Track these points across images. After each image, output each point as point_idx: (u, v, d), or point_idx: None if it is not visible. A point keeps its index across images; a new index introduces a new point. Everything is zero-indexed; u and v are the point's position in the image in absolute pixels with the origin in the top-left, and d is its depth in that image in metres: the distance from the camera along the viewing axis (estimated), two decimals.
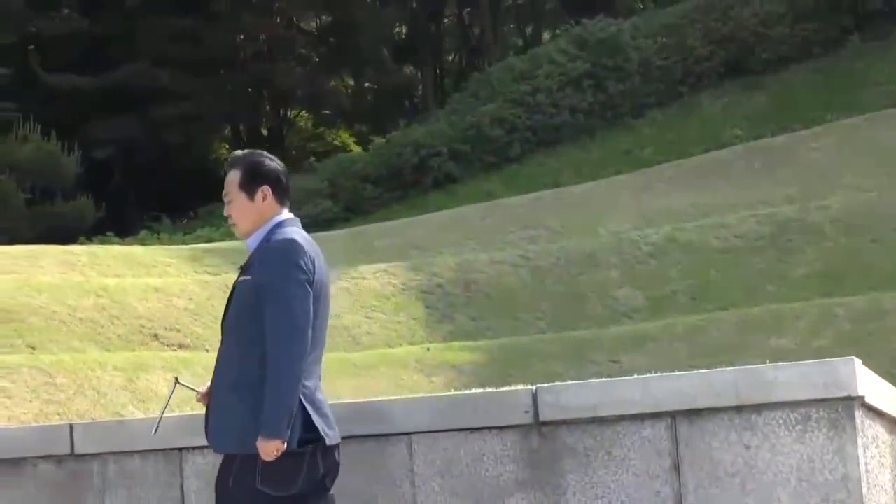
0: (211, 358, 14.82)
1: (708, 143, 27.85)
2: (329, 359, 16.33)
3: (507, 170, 30.25)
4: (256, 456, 4.77)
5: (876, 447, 5.14)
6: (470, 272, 20.45)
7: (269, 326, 4.89)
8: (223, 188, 5.34)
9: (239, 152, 5.41)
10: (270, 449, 4.75)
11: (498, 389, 5.30)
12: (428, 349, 17.40)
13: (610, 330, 18.24)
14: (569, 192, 25.94)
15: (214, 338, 16.95)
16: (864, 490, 4.70)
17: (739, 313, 17.71)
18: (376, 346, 17.88)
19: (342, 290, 19.26)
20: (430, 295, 19.80)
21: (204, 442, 5.59)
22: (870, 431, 5.05)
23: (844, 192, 22.38)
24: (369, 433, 5.41)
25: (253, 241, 5.17)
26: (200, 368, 14.91)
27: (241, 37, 40.71)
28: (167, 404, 5.13)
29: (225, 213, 5.31)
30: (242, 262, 5.21)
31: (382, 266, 20.58)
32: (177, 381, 5.37)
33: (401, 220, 26.06)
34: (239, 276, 5.13)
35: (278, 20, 42.59)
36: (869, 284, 18.65)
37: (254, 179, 5.20)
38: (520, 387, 5.25)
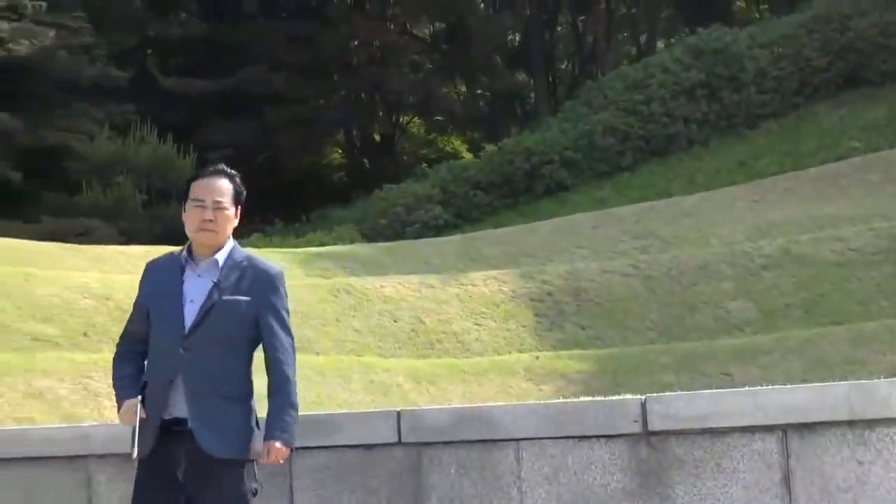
0: (321, 361, 14.92)
1: (824, 154, 27.45)
2: (438, 364, 16.42)
3: (619, 178, 30.10)
4: (251, 462, 5.16)
5: None
6: (580, 280, 20.37)
7: (280, 349, 5.37)
8: (208, 192, 5.33)
9: (221, 165, 5.50)
10: (285, 454, 5.14)
11: (607, 398, 5.27)
12: (537, 357, 17.36)
13: (721, 342, 18.05)
14: (681, 202, 25.73)
15: (325, 340, 17.13)
16: None
17: (854, 328, 17.42)
18: (485, 353, 17.88)
19: (453, 297, 19.31)
20: (539, 303, 19.76)
21: (313, 443, 5.64)
22: None
23: None
24: (477, 439, 5.42)
25: (220, 256, 5.25)
26: (311, 371, 15.04)
27: (356, 42, 41.00)
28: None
29: (209, 217, 5.20)
30: (236, 279, 5.24)
31: (493, 273, 20.58)
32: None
33: (511, 228, 26.04)
34: (224, 292, 5.18)
35: (392, 26, 42.85)
36: None
37: (240, 198, 5.39)
38: (629, 396, 5.21)
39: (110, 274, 17.67)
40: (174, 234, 29.21)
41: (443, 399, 14.85)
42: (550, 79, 44.62)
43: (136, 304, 5.32)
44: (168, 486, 5.06)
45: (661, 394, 5.13)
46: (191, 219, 5.20)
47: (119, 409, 5.26)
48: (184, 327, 5.16)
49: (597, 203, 28.01)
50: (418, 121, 47.42)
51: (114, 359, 5.36)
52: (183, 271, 5.23)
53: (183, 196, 5.31)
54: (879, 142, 27.26)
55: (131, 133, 31.30)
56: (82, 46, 35.71)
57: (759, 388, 5.01)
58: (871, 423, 4.74)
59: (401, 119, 45.72)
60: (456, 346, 17.98)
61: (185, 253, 5.25)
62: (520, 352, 18.04)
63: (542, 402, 5.67)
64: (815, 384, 4.91)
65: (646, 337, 19.03)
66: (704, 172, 28.90)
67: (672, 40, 38.05)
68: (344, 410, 11.80)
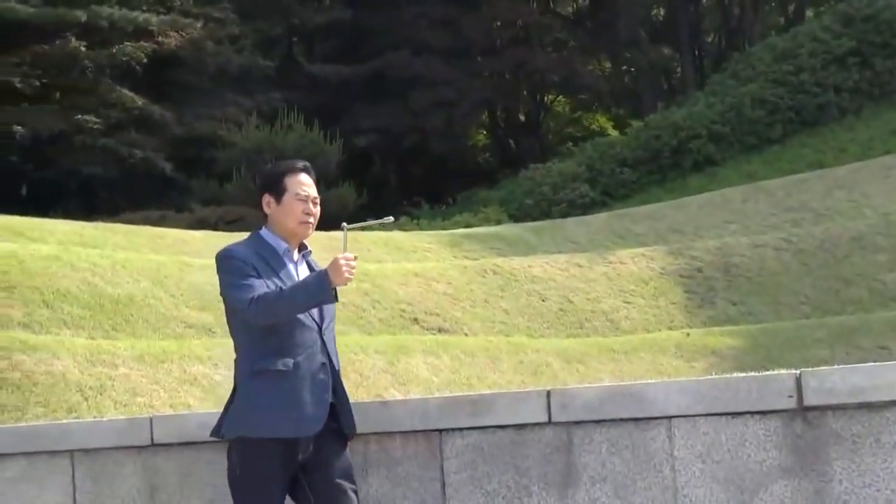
0: (470, 342, 15.00)
1: None
2: (588, 343, 16.36)
3: (769, 151, 29.63)
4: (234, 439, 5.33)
5: None
6: (730, 256, 20.12)
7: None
8: (310, 186, 5.47)
9: (306, 162, 5.59)
10: None
11: (760, 374, 5.15)
12: (688, 334, 17.19)
13: (877, 315, 17.69)
14: (833, 174, 25.24)
15: (473, 322, 17.15)
16: None
17: None
18: (635, 331, 17.75)
19: (601, 275, 19.21)
20: (689, 279, 19.57)
21: (464, 423, 5.65)
22: None
23: None
24: (629, 416, 5.35)
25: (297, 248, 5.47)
26: (460, 352, 15.09)
27: (498, 23, 40.94)
28: (343, 247, 5.31)
29: (311, 211, 5.40)
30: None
31: (641, 250, 20.43)
32: (344, 228, 5.48)
33: (659, 204, 25.81)
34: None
35: (535, 5, 42.69)
36: None
37: None
38: (783, 371, 5.09)
39: None
40: (321, 219, 29.47)
41: (593, 378, 14.78)
42: (697, 52, 44.06)
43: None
44: None
45: (816, 368, 5.00)
46: (293, 211, 5.36)
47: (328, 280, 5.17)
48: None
49: (746, 177, 27.62)
50: (563, 99, 47.21)
51: (259, 299, 5.20)
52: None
53: (266, 187, 5.42)
54: None
55: (278, 120, 31.69)
56: (229, 36, 36.30)
57: None
58: None
59: (545, 98, 45.57)
60: (605, 325, 17.89)
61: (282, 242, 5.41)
62: (670, 329, 17.89)
63: (693, 378, 5.58)
64: None
65: (799, 312, 18.73)
66: (857, 142, 28.30)
67: (822, 8, 37.31)
68: (494, 391, 11.79)
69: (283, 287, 5.22)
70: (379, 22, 39.08)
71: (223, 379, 12.51)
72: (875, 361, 4.97)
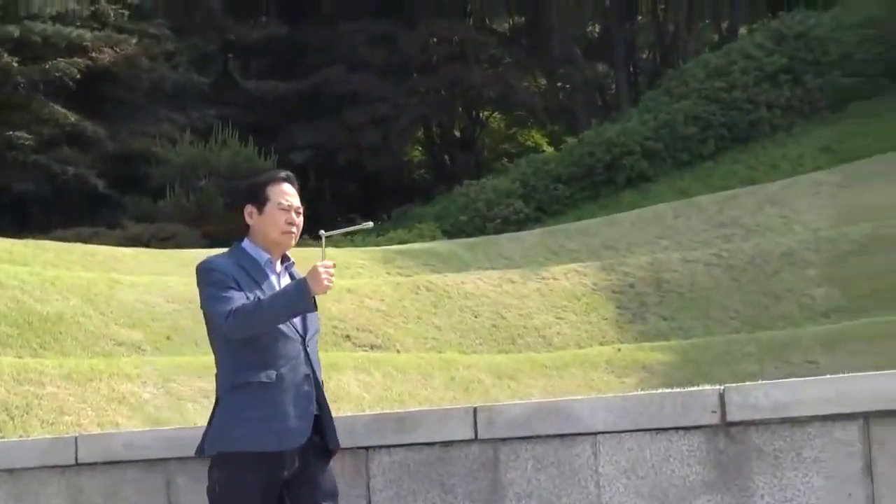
0: (402, 358, 14.95)
1: None
2: (519, 359, 16.37)
3: (701, 167, 29.87)
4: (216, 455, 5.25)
5: None
6: (662, 271, 20.23)
7: None
8: (291, 196, 5.40)
9: (289, 171, 5.55)
10: None
11: (684, 389, 5.19)
12: (619, 350, 17.26)
13: (807, 330, 17.83)
14: (764, 190, 25.47)
15: (406, 338, 17.13)
16: None
17: None
18: (567, 347, 17.80)
19: (533, 291, 19.25)
20: (621, 295, 19.65)
21: (391, 441, 5.64)
22: None
23: None
24: (555, 433, 5.36)
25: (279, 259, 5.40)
26: (392, 369, 15.07)
27: (434, 39, 41.02)
28: (322, 255, 5.23)
29: (294, 221, 5.31)
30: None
31: (573, 266, 20.51)
32: (322, 235, 5.42)
33: (592, 220, 25.94)
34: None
35: (471, 22, 42.82)
36: None
37: None
38: (707, 387, 5.13)
39: (193, 277, 17.78)
40: None
41: (524, 394, 14.80)
42: (631, 69, 44.34)
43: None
44: None
45: (740, 384, 5.04)
46: (275, 221, 5.27)
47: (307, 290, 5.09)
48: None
49: (679, 193, 27.82)
50: (498, 116, 47.34)
51: (237, 311, 5.08)
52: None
53: (249, 197, 5.35)
54: None
55: (213, 137, 31.55)
56: (164, 53, 36.12)
57: (839, 375, 4.91)
58: None
59: (480, 114, 45.69)
60: (537, 341, 17.93)
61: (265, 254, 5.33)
62: (601, 344, 17.96)
63: (618, 394, 5.60)
64: None
65: (729, 326, 18.86)
66: (788, 159, 28.59)
67: (755, 26, 37.70)
68: (424, 407, 11.76)
69: (258, 298, 5.11)
70: (315, 38, 39.03)
71: (151, 397, 12.42)
72: (804, 376, 5.02)
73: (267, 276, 5.25)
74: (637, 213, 25.54)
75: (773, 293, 19.64)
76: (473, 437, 5.53)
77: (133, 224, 30.28)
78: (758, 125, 30.22)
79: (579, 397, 5.55)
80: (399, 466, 5.69)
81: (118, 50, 34.40)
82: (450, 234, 27.89)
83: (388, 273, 20.63)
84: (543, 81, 45.20)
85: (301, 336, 5.24)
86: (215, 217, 29.59)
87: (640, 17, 45.51)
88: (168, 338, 15.06)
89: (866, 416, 4.76)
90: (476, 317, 18.21)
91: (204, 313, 5.27)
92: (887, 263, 19.58)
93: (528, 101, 42.80)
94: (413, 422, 5.58)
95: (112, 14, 35.01)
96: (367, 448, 5.72)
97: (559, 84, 44.65)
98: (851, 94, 30.35)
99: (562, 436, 5.33)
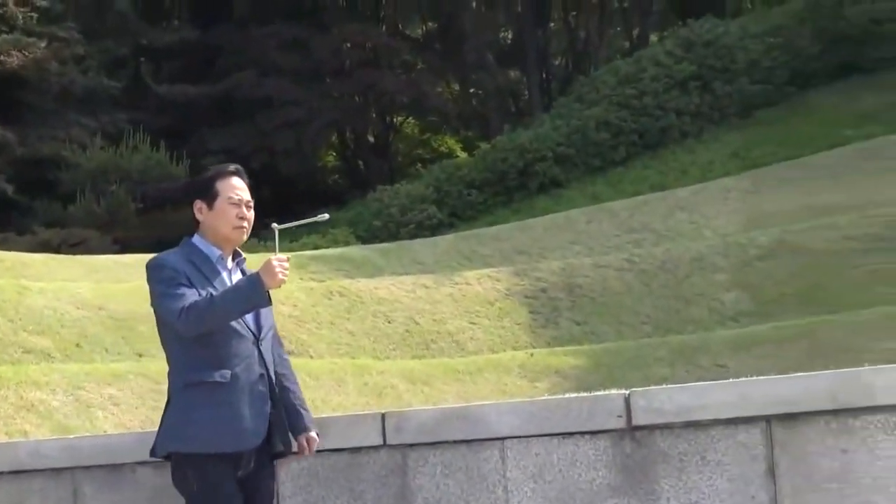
0: (315, 364, 14.87)
1: (818, 143, 27.43)
2: (433, 364, 16.38)
3: (613, 173, 30.09)
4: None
5: None
6: (574, 276, 20.35)
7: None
8: (244, 190, 5.40)
9: (238, 166, 5.52)
10: None
11: (591, 394, 5.24)
12: (532, 355, 17.34)
13: (717, 333, 18.03)
14: (674, 195, 25.72)
15: (319, 344, 17.09)
16: None
17: (850, 316, 17.39)
18: (480, 352, 17.86)
19: (447, 297, 19.29)
20: (534, 300, 19.75)
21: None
22: None
23: None
24: (463, 438, 5.39)
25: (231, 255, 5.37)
26: (304, 375, 14.99)
27: (348, 45, 40.97)
28: (276, 249, 5.35)
29: (245, 216, 5.29)
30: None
31: (486, 272, 20.57)
32: (275, 228, 5.50)
33: (505, 225, 26.03)
34: None
35: (384, 28, 42.82)
36: None
37: None
38: (613, 391, 5.19)
39: (103, 283, 17.64)
40: (169, 241, 29.14)
41: (438, 399, 14.82)
42: (544, 75, 44.57)
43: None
44: None
45: (646, 388, 5.10)
46: (226, 216, 5.23)
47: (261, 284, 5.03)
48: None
49: (591, 198, 27.99)
50: (412, 121, 47.37)
51: (189, 308, 5.01)
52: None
53: (197, 193, 5.29)
54: (872, 129, 27.24)
55: (124, 141, 31.25)
56: (74, 56, 35.66)
57: (742, 379, 4.99)
58: (855, 412, 4.72)
59: (394, 120, 45.69)
60: (451, 346, 17.96)
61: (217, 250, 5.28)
62: (514, 349, 18.03)
63: (525, 399, 5.65)
64: (798, 374, 4.89)
65: (641, 331, 19.02)
66: (698, 164, 28.89)
67: (665, 33, 38.06)
68: (338, 413, 11.74)
69: (210, 294, 5.05)
70: (227, 42, 38.80)
71: (60, 405, 12.28)
72: (713, 380, 5.09)
73: (219, 273, 5.20)
74: (550, 219, 25.67)
75: (684, 297, 19.84)
76: (382, 442, 5.55)
77: (43, 230, 29.87)
78: (668, 131, 30.52)
79: (487, 402, 5.58)
80: (308, 473, 5.70)
81: (27, 53, 33.91)
82: (363, 240, 27.85)
83: (302, 279, 20.56)
84: (457, 87, 45.32)
85: (254, 335, 5.18)
86: (126, 223, 29.33)
87: (552, 24, 45.79)
88: (77, 345, 14.89)
89: (768, 420, 4.85)
90: (389, 322, 18.21)
91: (155, 311, 5.19)
92: (793, 268, 19.88)
93: (441, 107, 42.87)
94: (322, 428, 5.58)
95: (20, 17, 34.50)
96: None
97: (472, 90, 44.78)
98: (759, 101, 30.76)
99: (469, 441, 5.36)
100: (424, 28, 46.20)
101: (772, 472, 4.84)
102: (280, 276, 5.05)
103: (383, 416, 5.56)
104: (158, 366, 13.92)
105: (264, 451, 5.16)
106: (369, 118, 43.66)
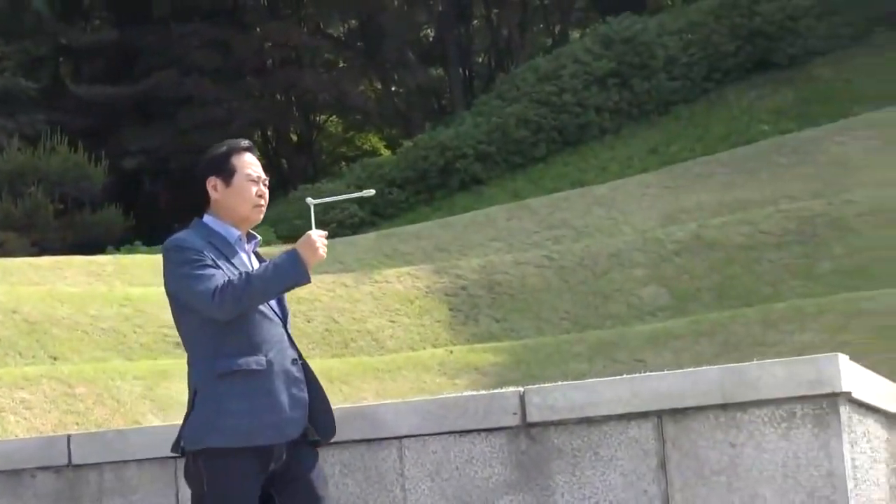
0: None
1: (734, 138, 27.77)
2: (352, 363, 16.40)
3: (534, 170, 30.25)
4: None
5: (867, 442, 5.11)
6: (494, 273, 20.45)
7: None
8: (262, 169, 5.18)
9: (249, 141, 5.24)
10: None
11: (486, 392, 5.30)
12: (451, 352, 17.41)
13: (634, 328, 18.20)
14: (593, 192, 25.91)
15: None
16: (851, 486, 4.68)
17: (764, 309, 17.63)
18: (400, 350, 17.91)
19: (367, 295, 19.32)
20: (454, 297, 19.83)
21: None
22: (859, 427, 5.02)
23: (871, 186, 22.24)
24: (361, 437, 5.42)
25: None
26: None
27: (269, 44, 40.84)
28: (313, 224, 5.07)
29: (264, 193, 5.06)
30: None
31: (407, 269, 20.62)
32: (310, 203, 5.24)
33: (426, 223, 26.10)
34: None
35: (305, 27, 42.72)
36: None
37: None
38: (509, 389, 5.24)
39: (17, 286, 17.49)
40: (88, 244, 29.04)
41: (357, 398, 14.85)
42: (467, 73, 44.68)
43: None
44: None
45: (539, 385, 5.16)
46: (245, 194, 4.98)
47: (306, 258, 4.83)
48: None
49: (511, 195, 28.13)
50: (336, 119, 47.29)
51: (224, 288, 4.72)
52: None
53: (212, 169, 5.04)
54: (788, 124, 27.62)
55: (42, 143, 30.92)
56: None
57: (634, 375, 5.06)
58: (743, 406, 4.80)
59: (317, 118, 45.60)
60: (370, 345, 18.00)
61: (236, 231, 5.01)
62: (434, 347, 18.11)
63: (424, 398, 5.69)
64: (688, 369, 4.97)
65: (560, 327, 19.15)
66: (617, 161, 29.12)
67: (588, 30, 38.30)
68: None
69: (246, 273, 4.77)
70: (147, 42, 38.49)
71: None
72: (632, 373, 5.16)
73: (238, 254, 4.94)
74: (470, 216, 25.78)
75: (602, 293, 20.01)
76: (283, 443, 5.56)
77: None
78: (587, 128, 30.74)
79: (386, 402, 5.63)
80: None
81: None
82: (285, 239, 27.77)
83: None
84: (379, 86, 45.33)
85: (281, 318, 4.93)
86: (45, 224, 29.02)
87: (475, 22, 45.90)
88: None
89: (659, 415, 4.93)
90: (309, 321, 18.20)
91: (175, 296, 4.85)
92: (709, 263, 20.11)
93: (362, 106, 42.86)
94: None
95: None
96: (175, 458, 5.70)
97: (394, 88, 44.80)
98: (676, 98, 31.07)
99: (368, 440, 5.40)
100: (346, 27, 46.13)
101: (663, 466, 4.91)
102: (321, 251, 4.86)
103: (183, 426, 5.56)
104: (72, 369, 13.87)
105: (299, 440, 4.85)
106: (291, 117, 43.56)
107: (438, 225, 25.40)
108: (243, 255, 4.96)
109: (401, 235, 24.72)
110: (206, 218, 5.01)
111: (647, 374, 5.05)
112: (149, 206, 36.99)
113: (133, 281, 18.98)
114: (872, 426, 5.31)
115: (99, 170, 30.67)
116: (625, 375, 5.14)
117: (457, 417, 5.24)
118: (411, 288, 19.80)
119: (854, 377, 4.88)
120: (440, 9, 42.04)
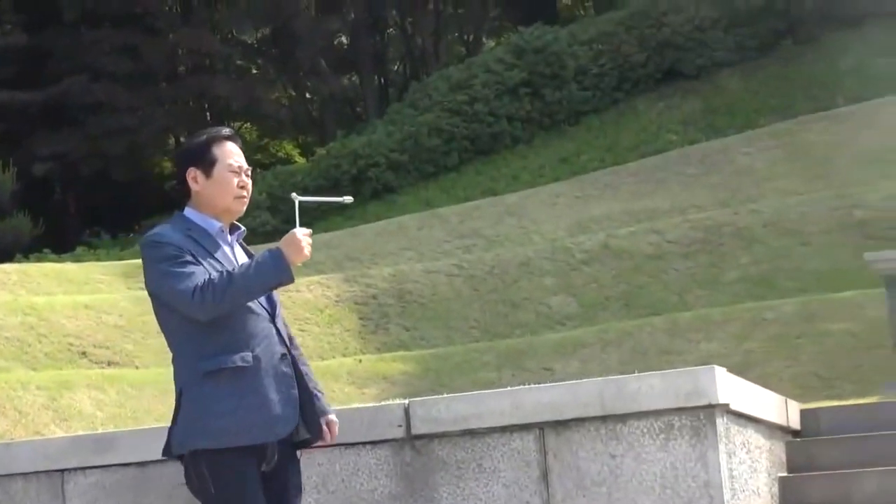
0: (140, 374, 14.77)
1: (643, 148, 28.04)
2: None
3: (445, 179, 30.33)
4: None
5: (747, 452, 5.21)
6: (404, 282, 20.50)
7: None
8: (243, 159, 5.00)
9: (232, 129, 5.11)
10: None
11: (372, 404, 5.34)
12: (360, 361, 17.43)
13: (543, 337, 18.31)
14: (505, 201, 26.04)
15: (146, 354, 16.92)
16: (728, 496, 4.77)
17: (671, 318, 17.81)
18: (310, 359, 17.68)
19: None
20: (364, 306, 19.85)
21: (88, 462, 5.61)
22: (738, 437, 5.12)
23: (776, 196, 22.60)
24: None
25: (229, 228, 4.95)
26: (127, 386, 14.89)
27: (181, 50, 40.58)
28: (297, 222, 4.91)
29: (246, 184, 4.91)
30: None
31: (317, 278, 20.59)
32: (295, 198, 5.08)
33: (337, 232, 26.08)
34: None
35: (217, 34, 42.49)
36: (799, 287, 18.84)
37: None
38: (396, 401, 5.29)
39: None
40: (8, 247, 28.69)
41: None
42: (382, 81, 44.66)
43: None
44: None
45: (423, 398, 5.22)
46: (227, 185, 4.81)
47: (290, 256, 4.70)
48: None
49: (423, 204, 28.19)
50: (250, 126, 47.07)
51: (205, 287, 4.54)
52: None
53: (192, 159, 4.85)
54: (696, 134, 27.94)
55: None
56: None
57: (517, 388, 5.13)
58: (623, 418, 4.89)
59: (230, 125, 45.32)
60: None
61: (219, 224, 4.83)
62: (344, 356, 18.11)
63: None
64: (568, 382, 5.05)
65: (470, 336, 19.23)
66: (529, 170, 29.28)
67: (502, 40, 38.48)
68: (161, 425, 11.64)
69: (227, 271, 4.59)
70: (57, 47, 38.07)
71: None
72: (539, 383, 5.21)
73: (220, 247, 4.77)
74: (382, 225, 25.81)
75: (512, 302, 20.12)
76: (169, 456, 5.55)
77: None
78: (499, 137, 30.88)
79: None
80: (96, 488, 5.69)
81: None
82: None
83: (130, 288, 20.31)
84: (293, 93, 45.20)
85: (268, 312, 4.74)
86: None
87: (390, 30, 45.90)
88: None
89: (541, 427, 5.01)
90: None
91: (155, 293, 4.72)
92: (617, 272, 20.29)
93: (275, 114, 42.71)
94: (108, 442, 5.59)
95: None
96: (62, 470, 5.69)
97: (308, 95, 44.70)
98: (587, 108, 31.30)
99: None
100: (258, 34, 45.95)
101: (545, 477, 4.99)
102: (306, 250, 4.75)
103: (170, 430, 5.57)
104: None
105: (287, 440, 4.66)
106: (204, 124, 43.25)
107: (349, 233, 25.41)
108: (226, 248, 4.81)
109: (312, 244, 24.66)
110: (187, 210, 4.85)
111: (530, 386, 5.12)
112: (58, 213, 36.60)
113: (38, 290, 18.79)
114: (753, 436, 5.41)
115: (7, 175, 30.33)
116: (509, 388, 5.21)
117: (343, 430, 5.26)
118: (321, 297, 19.79)
119: (732, 389, 4.98)
120: (352, 16, 42.01)
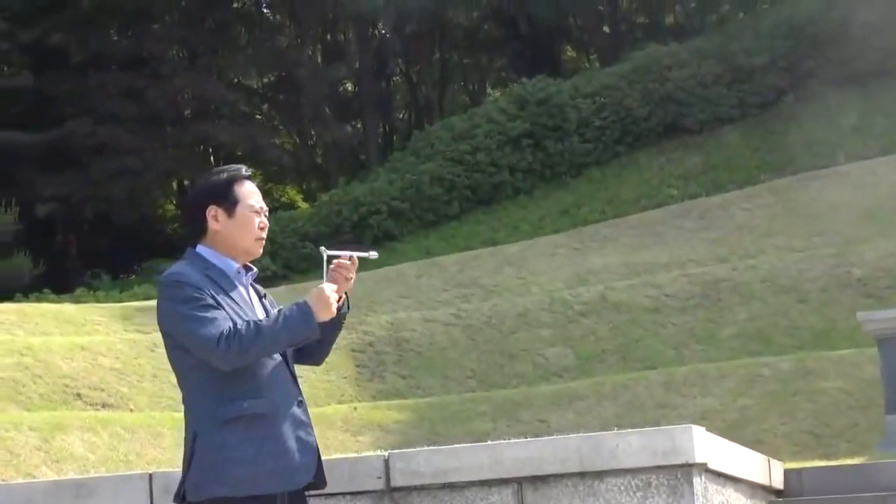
0: (133, 417, 14.78)
1: (644, 202, 28.10)
2: None
3: (446, 228, 30.39)
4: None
5: None
6: (402, 330, 20.53)
7: None
8: (260, 197, 4.87)
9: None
10: None
11: (352, 455, 5.36)
12: (355, 408, 17.44)
13: (539, 389, 18.34)
14: (504, 251, 26.09)
15: (140, 397, 16.93)
16: None
17: (667, 372, 17.85)
18: None
19: None
20: (361, 353, 19.88)
21: None
22: (717, 497, 5.13)
23: (774, 252, 22.65)
24: None
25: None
26: (120, 428, 14.89)
27: (185, 95, 40.77)
28: (325, 277, 4.75)
29: (266, 226, 4.82)
30: None
31: None
32: (323, 252, 4.85)
33: None
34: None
35: (221, 79, 42.69)
36: (795, 344, 18.88)
37: None
38: (377, 452, 5.31)
39: None
40: (8, 286, 28.68)
41: None
42: (386, 129, 44.84)
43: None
44: None
45: (402, 451, 5.23)
46: (249, 226, 4.70)
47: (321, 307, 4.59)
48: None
49: (423, 252, 28.22)
50: (254, 171, 47.14)
51: (231, 337, 4.45)
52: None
53: (213, 197, 4.70)
54: (696, 189, 28.00)
55: None
56: None
57: (496, 442, 5.15)
58: (601, 474, 4.90)
59: None
60: None
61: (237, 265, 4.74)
62: (340, 403, 18.12)
63: None
64: (547, 437, 5.06)
65: (466, 385, 19.25)
66: (529, 221, 29.34)
67: (505, 91, 38.64)
68: (153, 469, 11.68)
69: (255, 322, 4.50)
70: (62, 89, 38.26)
71: None
72: (535, 435, 5.23)
73: (236, 288, 4.67)
74: (381, 272, 25.80)
75: (509, 352, 20.15)
76: (150, 503, 5.57)
77: None
78: (501, 187, 30.98)
79: None
80: None
81: None
82: None
83: (126, 330, 20.35)
84: (297, 139, 45.38)
85: (284, 357, 4.69)
86: None
87: (395, 78, 46.16)
88: None
89: (520, 482, 5.01)
90: None
91: (174, 335, 4.59)
92: (614, 325, 20.33)
93: (277, 160, 42.85)
94: (89, 488, 5.59)
95: None
96: None
97: (310, 143, 44.88)
98: (589, 160, 31.38)
99: None
100: (262, 81, 46.18)
101: None
102: (334, 307, 4.64)
103: (150, 476, 5.60)
104: None
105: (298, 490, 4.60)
106: (208, 167, 43.35)
107: None
108: (242, 289, 4.72)
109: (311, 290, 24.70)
110: (202, 248, 4.73)
111: (509, 440, 5.13)
112: (60, 253, 36.68)
113: (36, 330, 18.82)
114: (733, 495, 5.42)
115: (8, 216, 30.44)
116: (489, 442, 5.22)
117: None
118: None
119: (710, 448, 4.99)
120: (358, 65, 42.24)
